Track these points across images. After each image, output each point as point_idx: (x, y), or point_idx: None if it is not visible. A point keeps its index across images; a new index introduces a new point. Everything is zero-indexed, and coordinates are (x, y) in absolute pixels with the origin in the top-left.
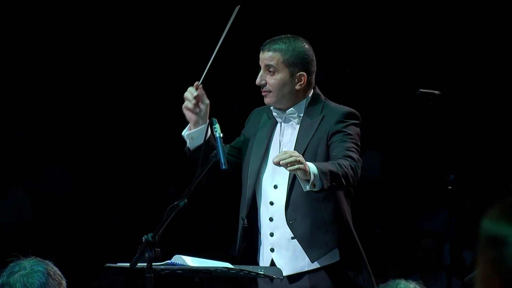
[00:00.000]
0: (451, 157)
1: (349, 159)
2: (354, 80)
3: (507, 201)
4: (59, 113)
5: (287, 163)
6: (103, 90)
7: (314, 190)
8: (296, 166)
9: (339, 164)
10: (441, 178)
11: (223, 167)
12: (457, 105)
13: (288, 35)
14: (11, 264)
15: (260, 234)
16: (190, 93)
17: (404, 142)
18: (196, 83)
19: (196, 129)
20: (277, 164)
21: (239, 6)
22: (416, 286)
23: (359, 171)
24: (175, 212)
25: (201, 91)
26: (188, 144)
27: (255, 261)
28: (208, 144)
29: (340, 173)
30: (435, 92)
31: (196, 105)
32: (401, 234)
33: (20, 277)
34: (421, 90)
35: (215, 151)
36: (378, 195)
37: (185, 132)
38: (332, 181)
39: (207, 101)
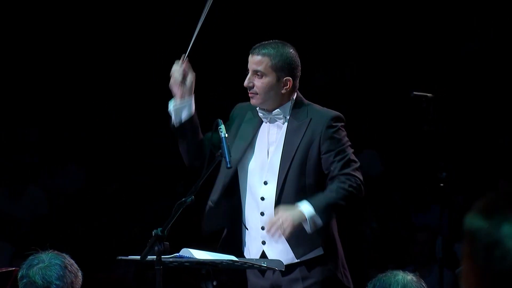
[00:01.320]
0: (443, 156)
1: (350, 177)
2: (352, 82)
3: (484, 198)
4: (73, 115)
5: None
6: (115, 92)
7: (319, 227)
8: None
9: (337, 191)
10: (434, 176)
11: (228, 165)
12: (449, 107)
13: (277, 41)
14: (30, 257)
15: (247, 228)
16: (177, 67)
17: (399, 142)
18: (182, 56)
19: (182, 102)
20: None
21: None
22: (413, 278)
23: (362, 183)
24: (183, 208)
25: (187, 64)
26: (173, 119)
27: (240, 253)
28: (193, 122)
29: (338, 202)
30: (428, 94)
31: (184, 78)
32: (396, 229)
33: (38, 270)
34: (415, 93)
35: (220, 151)
36: (375, 192)
37: (171, 107)
38: (332, 212)
39: (193, 74)
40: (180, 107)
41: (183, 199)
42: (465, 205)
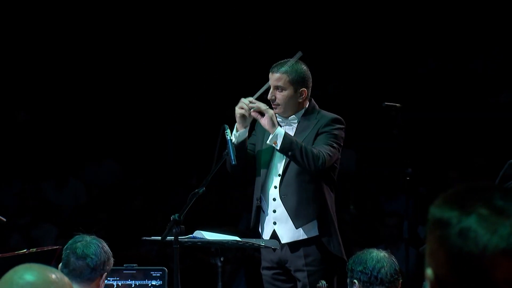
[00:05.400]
0: (409, 155)
1: (322, 153)
2: (335, 95)
3: (448, 192)
4: (108, 118)
5: (251, 108)
6: (143, 97)
7: (276, 147)
8: (253, 108)
9: (306, 147)
10: (401, 170)
11: (233, 162)
12: (413, 114)
13: (291, 59)
14: (76, 236)
15: (265, 212)
16: (245, 104)
17: (372, 143)
18: (252, 98)
19: (242, 131)
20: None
21: (301, 52)
22: (385, 254)
23: (321, 161)
24: (196, 197)
25: (252, 103)
26: (234, 141)
27: (258, 232)
28: (244, 145)
29: (301, 148)
30: (397, 104)
31: (247, 114)
32: (370, 214)
33: (80, 245)
34: (386, 103)
35: (226, 150)
36: (353, 183)
37: (235, 133)
38: (290, 149)
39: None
40: (240, 134)
41: (196, 190)
42: (427, 194)
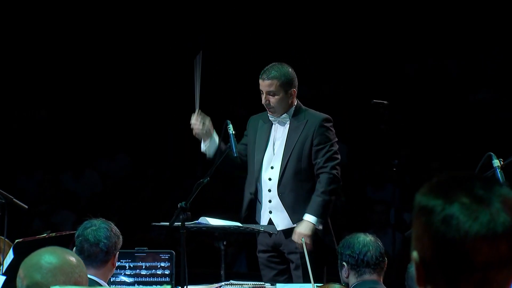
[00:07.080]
0: (395, 147)
1: (332, 171)
2: (329, 95)
3: (433, 181)
4: (120, 115)
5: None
6: (146, 96)
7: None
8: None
9: (324, 192)
10: (388, 162)
11: (235, 155)
12: (400, 111)
13: (276, 63)
14: (85, 222)
15: (260, 202)
16: (194, 121)
17: (362, 137)
18: (194, 113)
19: (207, 142)
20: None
21: (201, 52)
22: (371, 238)
23: (339, 174)
24: (201, 186)
25: (199, 116)
26: (207, 154)
27: (254, 220)
28: (220, 145)
29: (328, 201)
30: (384, 102)
31: (202, 126)
32: (359, 202)
33: (91, 231)
34: (374, 100)
35: (228, 144)
36: (344, 174)
37: (203, 148)
38: (327, 212)
39: (207, 120)
40: (207, 146)
41: (201, 180)
42: (411, 183)
